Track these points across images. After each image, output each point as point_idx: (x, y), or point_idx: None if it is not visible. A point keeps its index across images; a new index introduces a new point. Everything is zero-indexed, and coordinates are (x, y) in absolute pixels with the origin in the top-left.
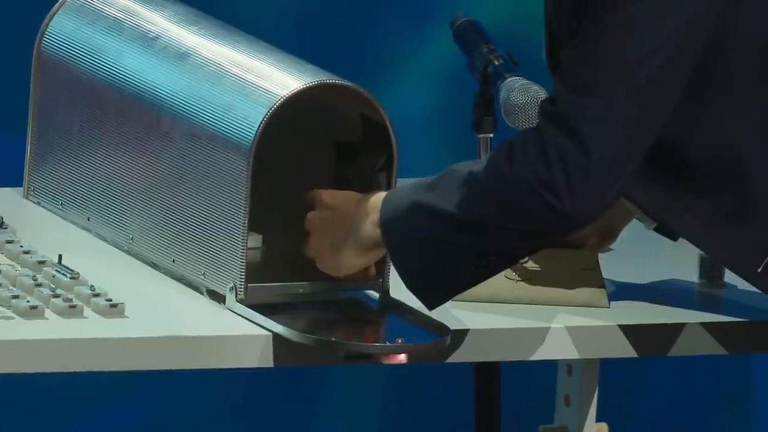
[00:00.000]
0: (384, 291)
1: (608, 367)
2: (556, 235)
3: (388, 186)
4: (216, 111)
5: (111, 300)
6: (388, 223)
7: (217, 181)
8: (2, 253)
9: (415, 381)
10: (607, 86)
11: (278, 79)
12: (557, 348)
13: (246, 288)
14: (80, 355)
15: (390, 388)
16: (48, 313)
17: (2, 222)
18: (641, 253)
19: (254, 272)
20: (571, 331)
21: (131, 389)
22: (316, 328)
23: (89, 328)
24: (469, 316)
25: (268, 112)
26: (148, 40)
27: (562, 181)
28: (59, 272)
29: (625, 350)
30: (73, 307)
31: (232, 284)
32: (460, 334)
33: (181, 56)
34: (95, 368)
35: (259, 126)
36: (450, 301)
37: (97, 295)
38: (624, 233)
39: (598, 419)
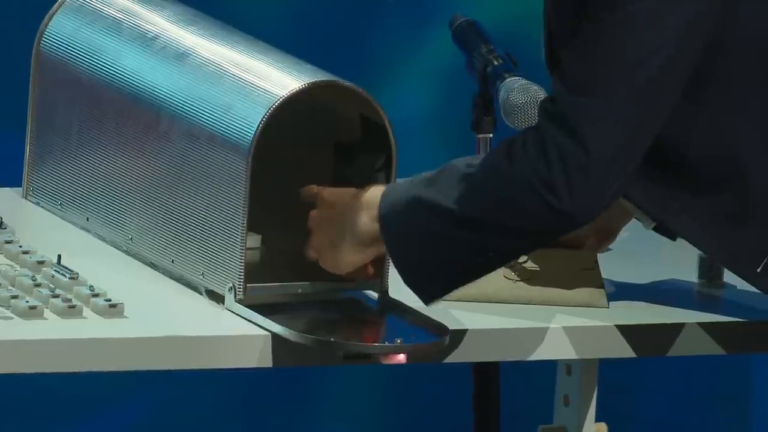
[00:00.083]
0: (383, 291)
1: (607, 367)
2: (554, 234)
3: None
4: (215, 111)
5: (110, 300)
6: (386, 217)
7: (216, 181)
8: (1, 253)
9: (414, 381)
10: (607, 86)
11: (277, 79)
12: (556, 348)
13: (245, 288)
14: (79, 355)
15: (389, 388)
16: (47, 313)
17: (1, 222)
18: (640, 253)
19: (253, 272)
20: (570, 331)
21: (130, 389)
22: (315, 328)
23: (88, 328)
24: (468, 316)
25: (267, 112)
26: (147, 40)
27: (562, 180)
28: (58, 272)
29: (624, 350)
30: (73, 307)
31: (231, 284)
32: (459, 334)
33: (180, 56)
34: (94, 368)
35: (258, 126)
36: (449, 301)
37: (96, 296)
38: (623, 233)
39: (597, 419)
